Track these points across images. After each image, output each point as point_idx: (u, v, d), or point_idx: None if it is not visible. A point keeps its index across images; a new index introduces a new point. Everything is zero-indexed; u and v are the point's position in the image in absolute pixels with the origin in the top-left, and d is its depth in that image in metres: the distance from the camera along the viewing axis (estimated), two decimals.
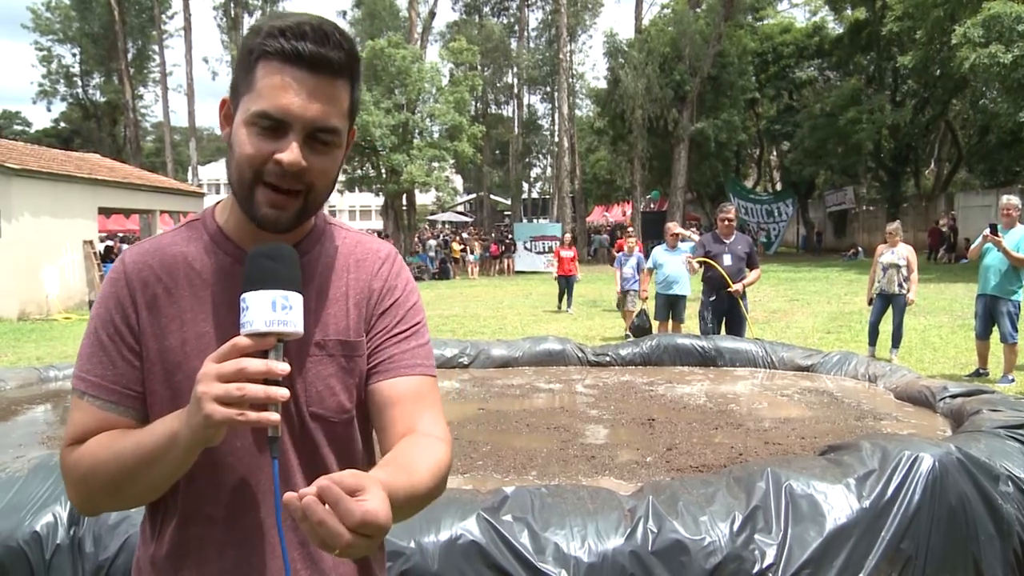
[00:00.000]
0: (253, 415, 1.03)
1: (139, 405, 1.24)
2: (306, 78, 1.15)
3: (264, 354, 1.08)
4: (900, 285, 9.26)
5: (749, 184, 44.98)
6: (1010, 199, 8.25)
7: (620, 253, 13.15)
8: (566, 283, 16.14)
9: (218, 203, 1.35)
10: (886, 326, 9.52)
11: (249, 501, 1.24)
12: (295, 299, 1.12)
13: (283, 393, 1.05)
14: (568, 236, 17.64)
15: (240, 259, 1.23)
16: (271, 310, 1.09)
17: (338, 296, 1.30)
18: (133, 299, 1.24)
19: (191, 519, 1.24)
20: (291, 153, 1.15)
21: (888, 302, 9.40)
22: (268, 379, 1.05)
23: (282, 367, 1.06)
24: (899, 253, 9.28)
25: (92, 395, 1.23)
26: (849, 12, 35.83)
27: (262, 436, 1.22)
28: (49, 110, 53.61)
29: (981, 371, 8.42)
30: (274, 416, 1.05)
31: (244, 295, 1.11)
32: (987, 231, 8.05)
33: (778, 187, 44.70)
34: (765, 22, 40.01)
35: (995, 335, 8.21)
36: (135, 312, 1.24)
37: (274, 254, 1.14)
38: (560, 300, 16.50)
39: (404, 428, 1.25)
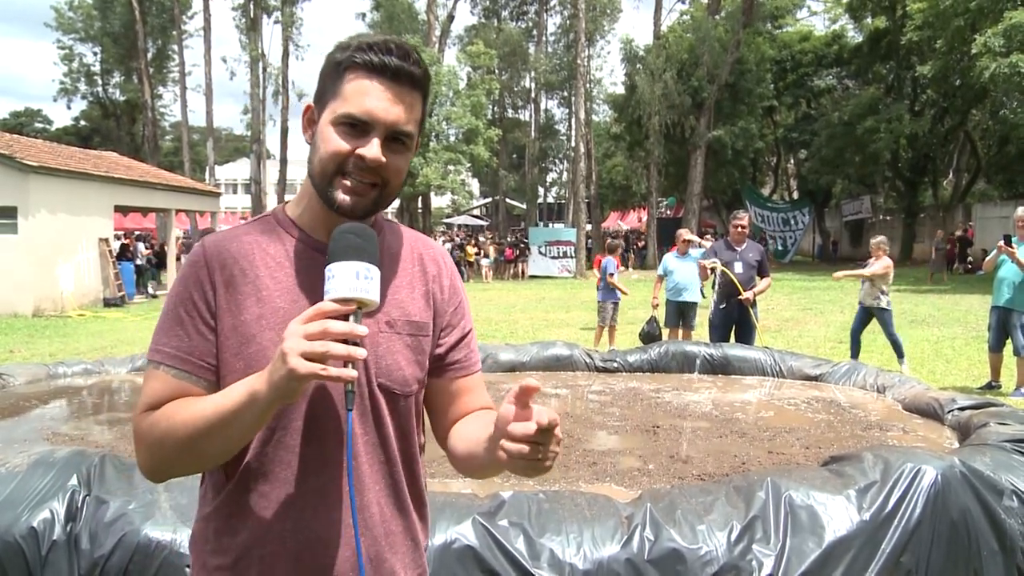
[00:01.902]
0: (334, 371, 1.14)
1: (211, 377, 1.33)
2: (389, 86, 1.32)
3: (345, 318, 1.18)
4: (877, 298, 9.25)
5: (766, 192, 44.78)
6: None
7: (606, 258, 12.36)
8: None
9: (287, 202, 1.48)
10: (875, 338, 9.49)
11: (316, 465, 1.32)
12: (375, 272, 1.23)
13: (362, 352, 1.17)
14: (611, 242, 15.93)
15: (312, 246, 1.37)
16: (355, 279, 1.20)
17: (406, 283, 1.44)
18: (211, 279, 1.35)
19: (259, 479, 1.32)
20: (373, 148, 1.30)
21: (870, 314, 9.39)
22: (348, 340, 1.16)
23: (362, 329, 1.17)
24: (878, 264, 9.30)
25: (168, 365, 1.33)
26: (869, 21, 35.62)
27: (335, 404, 1.33)
28: (69, 108, 53.82)
29: (994, 384, 8.34)
30: (352, 372, 1.16)
31: (330, 266, 1.22)
32: (1001, 242, 7.97)
33: (795, 195, 44.52)
34: (784, 30, 39.88)
35: (1008, 347, 8.13)
36: (212, 290, 1.34)
37: (358, 231, 1.26)
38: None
39: (474, 409, 1.53)
